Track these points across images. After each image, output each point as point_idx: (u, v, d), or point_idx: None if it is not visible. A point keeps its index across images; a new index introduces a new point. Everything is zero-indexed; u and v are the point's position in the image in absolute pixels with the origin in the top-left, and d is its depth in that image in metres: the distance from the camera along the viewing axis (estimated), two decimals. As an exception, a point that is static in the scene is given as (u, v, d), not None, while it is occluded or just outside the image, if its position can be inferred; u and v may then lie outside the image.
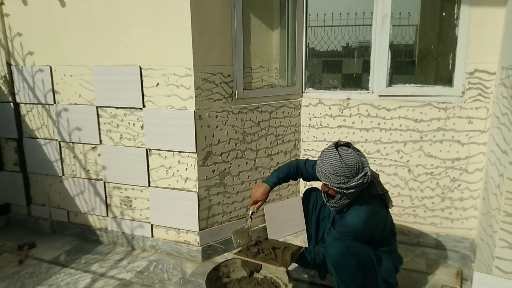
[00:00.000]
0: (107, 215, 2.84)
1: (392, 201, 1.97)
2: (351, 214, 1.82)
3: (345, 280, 1.81)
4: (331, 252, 1.78)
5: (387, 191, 1.93)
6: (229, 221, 2.70)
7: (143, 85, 2.50)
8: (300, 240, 2.81)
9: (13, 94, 2.95)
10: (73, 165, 2.88)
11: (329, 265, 1.82)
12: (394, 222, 2.85)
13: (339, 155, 1.75)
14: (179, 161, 2.51)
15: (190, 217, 2.56)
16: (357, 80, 6.00)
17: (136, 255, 2.70)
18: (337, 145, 1.85)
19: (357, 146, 2.85)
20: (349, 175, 1.75)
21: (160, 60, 2.42)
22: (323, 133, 2.96)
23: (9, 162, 3.12)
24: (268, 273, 2.24)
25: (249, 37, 2.93)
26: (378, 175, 2.02)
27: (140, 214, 2.73)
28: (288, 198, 3.04)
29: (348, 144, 1.87)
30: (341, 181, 1.76)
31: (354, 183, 1.75)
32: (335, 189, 1.79)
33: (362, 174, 1.77)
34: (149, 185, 2.65)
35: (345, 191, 1.78)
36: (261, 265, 2.27)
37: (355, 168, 1.75)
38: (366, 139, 2.83)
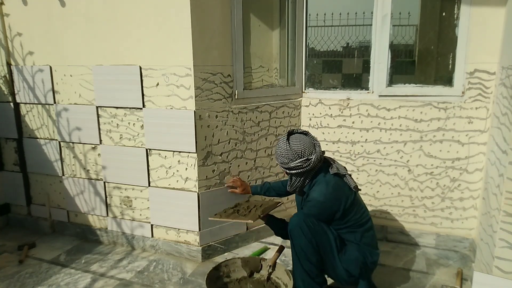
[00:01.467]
0: (107, 215, 2.84)
1: (357, 185, 2.01)
2: (314, 190, 1.99)
3: (298, 252, 1.96)
4: (291, 220, 1.98)
5: (350, 174, 2.03)
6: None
7: (143, 85, 2.50)
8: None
9: (13, 94, 2.95)
10: (73, 165, 2.88)
11: (288, 231, 1.99)
12: (394, 221, 2.87)
13: (287, 140, 1.99)
14: (179, 161, 2.51)
15: (190, 217, 2.56)
16: (357, 80, 6.00)
17: (136, 255, 2.70)
18: (292, 132, 2.06)
19: (357, 146, 2.86)
20: (291, 158, 1.96)
21: (160, 60, 2.42)
22: (323, 133, 2.96)
23: (9, 162, 3.12)
24: (267, 272, 2.24)
25: (249, 37, 2.93)
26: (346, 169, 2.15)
27: (140, 214, 2.74)
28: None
29: (305, 133, 2.05)
30: (283, 162, 1.99)
31: (293, 165, 1.97)
32: (282, 168, 2.05)
33: (304, 159, 1.95)
34: (149, 185, 2.65)
35: (287, 171, 2.02)
36: (261, 265, 2.28)
37: (298, 153, 1.95)
38: (366, 139, 2.83)
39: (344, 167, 2.09)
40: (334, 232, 2.00)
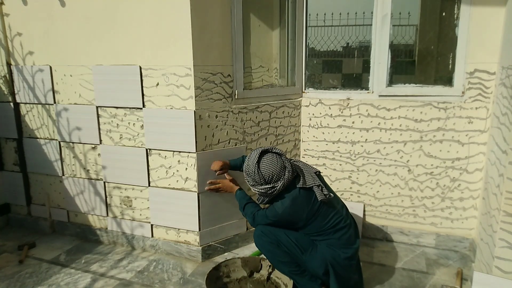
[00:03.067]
0: (107, 215, 2.84)
1: (328, 195, 2.00)
2: (277, 202, 2.02)
3: (268, 256, 2.08)
4: (254, 235, 2.10)
5: (319, 185, 2.00)
6: (229, 221, 2.70)
7: (143, 85, 2.50)
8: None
9: (13, 94, 2.95)
10: (73, 165, 2.88)
11: (256, 245, 2.10)
12: (394, 221, 2.87)
13: (257, 161, 1.95)
14: (179, 161, 2.51)
15: (190, 217, 2.56)
16: (357, 80, 5.99)
17: (136, 255, 2.70)
18: (266, 151, 2.01)
19: (357, 146, 2.86)
20: (257, 181, 1.97)
21: (160, 60, 2.42)
22: (323, 133, 2.96)
23: (9, 162, 3.12)
24: (267, 272, 2.25)
25: (249, 37, 2.92)
26: (319, 171, 2.15)
27: (140, 214, 2.74)
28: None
29: (279, 153, 2.01)
30: (249, 181, 2.02)
31: (257, 189, 2.01)
32: (256, 191, 2.05)
33: (269, 186, 1.95)
34: (149, 185, 2.65)
35: (252, 188, 2.04)
36: (261, 265, 2.28)
37: (265, 178, 1.94)
38: (366, 139, 2.83)
39: (316, 175, 2.07)
40: (295, 233, 2.04)
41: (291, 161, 2.09)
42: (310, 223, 2.00)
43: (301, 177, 2.02)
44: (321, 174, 2.18)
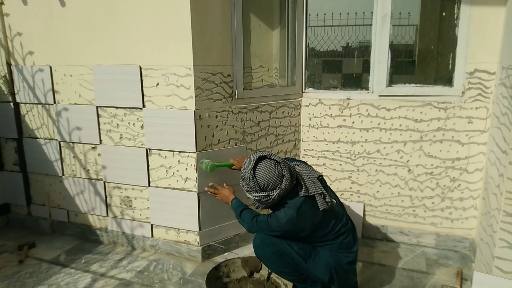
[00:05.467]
0: (107, 215, 2.84)
1: (330, 202, 1.93)
2: (280, 211, 1.92)
3: (269, 266, 2.06)
4: (253, 244, 2.05)
5: (321, 193, 1.92)
6: (229, 221, 2.70)
7: (143, 85, 2.50)
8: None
9: (13, 94, 2.95)
10: (73, 165, 2.88)
11: (255, 254, 2.07)
12: (394, 221, 2.87)
13: (253, 167, 1.86)
14: (179, 161, 2.51)
15: (190, 217, 2.56)
16: (357, 80, 5.99)
17: (136, 255, 2.70)
18: (264, 157, 1.90)
19: (357, 146, 2.85)
20: (252, 188, 1.88)
21: (160, 60, 2.42)
22: (323, 133, 2.96)
23: (9, 162, 3.12)
24: (267, 272, 2.25)
25: (249, 37, 2.93)
26: (321, 175, 2.08)
27: (140, 214, 2.74)
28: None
29: (278, 161, 1.88)
30: (244, 186, 1.93)
31: (251, 196, 1.93)
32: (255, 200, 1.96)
33: (264, 194, 1.86)
34: (149, 185, 2.65)
35: (247, 194, 1.95)
36: (261, 264, 2.28)
37: (260, 186, 1.85)
38: (366, 139, 2.83)
39: (318, 180, 1.99)
40: (295, 241, 1.98)
41: (292, 166, 1.96)
42: (314, 232, 1.96)
43: (303, 185, 1.92)
44: (323, 177, 2.11)
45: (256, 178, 1.85)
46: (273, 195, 1.86)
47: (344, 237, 2.01)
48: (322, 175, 2.09)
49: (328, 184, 2.57)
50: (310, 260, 1.98)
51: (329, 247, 2.00)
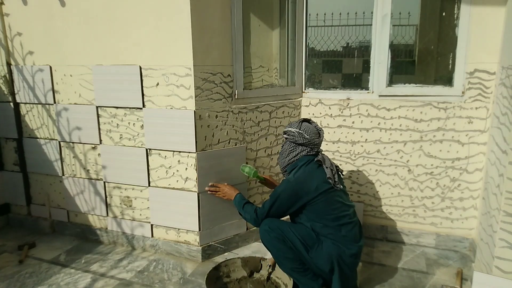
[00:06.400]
0: (107, 215, 2.84)
1: (340, 184, 2.09)
2: (292, 173, 2.13)
3: (273, 251, 2.08)
4: (259, 230, 2.11)
5: (336, 172, 2.11)
6: (229, 221, 2.70)
7: (143, 85, 2.50)
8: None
9: (13, 94, 2.95)
10: (73, 165, 2.88)
11: (261, 240, 2.12)
12: (394, 221, 2.87)
13: (301, 123, 2.16)
14: (179, 161, 2.51)
15: (190, 217, 2.56)
16: (357, 80, 5.99)
17: (136, 255, 2.70)
18: (308, 120, 2.20)
19: (357, 146, 2.86)
20: (293, 135, 2.13)
21: (160, 60, 2.42)
22: (323, 133, 2.96)
23: (9, 162, 3.12)
24: (267, 272, 2.25)
25: (249, 37, 2.92)
26: (342, 170, 2.25)
27: (140, 214, 2.74)
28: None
29: (320, 131, 2.18)
30: (287, 129, 2.17)
31: (287, 129, 2.16)
32: (284, 136, 2.20)
33: (301, 131, 2.11)
34: (149, 185, 2.65)
35: (284, 135, 2.19)
36: (261, 264, 2.29)
37: (300, 138, 2.10)
38: (366, 139, 2.83)
39: (335, 166, 2.16)
40: (301, 230, 2.05)
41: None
42: (315, 202, 2.00)
43: (321, 156, 2.13)
44: (342, 173, 2.25)
45: (301, 130, 2.12)
46: (306, 136, 2.09)
47: (349, 228, 2.04)
48: (342, 171, 2.26)
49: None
50: (312, 250, 2.01)
51: (333, 239, 2.02)
